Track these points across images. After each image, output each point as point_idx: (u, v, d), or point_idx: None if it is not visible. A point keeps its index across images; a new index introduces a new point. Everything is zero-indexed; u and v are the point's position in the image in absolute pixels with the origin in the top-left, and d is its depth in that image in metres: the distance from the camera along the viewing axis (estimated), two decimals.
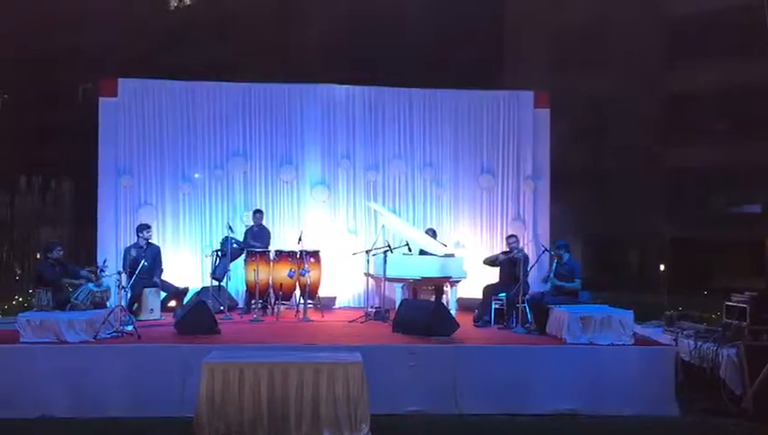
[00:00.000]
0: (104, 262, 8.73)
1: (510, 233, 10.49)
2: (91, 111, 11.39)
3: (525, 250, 9.97)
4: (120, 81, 11.25)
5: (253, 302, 9.92)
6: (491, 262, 9.89)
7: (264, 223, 10.70)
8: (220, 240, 10.39)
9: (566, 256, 8.80)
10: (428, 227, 11.04)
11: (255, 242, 10.30)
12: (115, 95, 11.16)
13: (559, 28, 20.52)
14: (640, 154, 19.58)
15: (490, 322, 9.24)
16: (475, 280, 10.25)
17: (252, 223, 10.70)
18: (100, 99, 11.23)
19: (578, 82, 18.78)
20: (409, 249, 10.23)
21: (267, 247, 10.20)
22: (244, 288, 10.23)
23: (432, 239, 10.10)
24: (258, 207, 10.90)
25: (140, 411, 6.83)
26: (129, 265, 8.85)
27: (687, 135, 19.98)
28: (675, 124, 20.05)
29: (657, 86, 20.29)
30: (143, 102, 11.23)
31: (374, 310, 9.75)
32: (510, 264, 9.41)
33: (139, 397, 6.93)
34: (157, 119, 11.25)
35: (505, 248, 10.01)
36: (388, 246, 9.67)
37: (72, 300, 7.97)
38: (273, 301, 9.89)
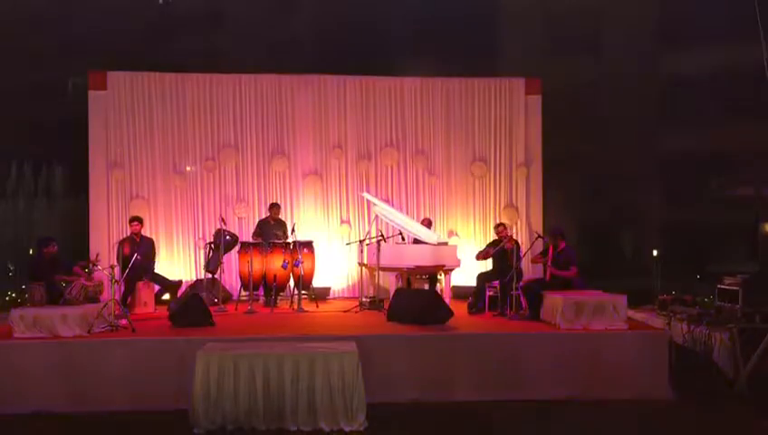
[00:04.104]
0: (96, 256, 8.70)
1: (499, 222, 10.51)
2: (81, 105, 11.30)
3: (518, 237, 9.98)
4: (109, 73, 11.20)
5: (246, 293, 9.88)
6: (483, 256, 9.84)
7: (280, 217, 10.64)
8: (213, 232, 10.37)
9: (562, 244, 8.81)
10: (425, 216, 11.05)
11: (271, 236, 10.13)
12: (104, 88, 11.12)
13: (551, 13, 20.44)
14: (633, 138, 19.57)
15: (484, 309, 9.27)
16: (469, 268, 10.29)
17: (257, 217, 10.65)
18: (90, 92, 11.17)
19: (570, 66, 18.74)
20: (403, 238, 10.24)
21: (287, 239, 10.06)
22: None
23: (425, 228, 10.10)
24: (274, 201, 10.82)
25: (136, 404, 6.82)
26: (122, 259, 8.83)
27: (681, 119, 19.97)
28: (668, 108, 20.04)
29: (651, 70, 20.26)
30: (132, 95, 11.19)
31: (368, 299, 9.76)
32: (502, 252, 9.41)
33: (135, 390, 6.91)
34: (147, 111, 11.22)
35: (494, 237, 10.00)
36: (382, 235, 9.68)
37: (65, 295, 7.94)
38: (274, 292, 9.85)
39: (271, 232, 10.18)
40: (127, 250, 9.03)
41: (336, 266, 11.40)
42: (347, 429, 6.19)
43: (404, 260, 9.58)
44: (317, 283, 10.57)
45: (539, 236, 9.59)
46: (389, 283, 9.63)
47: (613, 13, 19.83)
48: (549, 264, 8.83)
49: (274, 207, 10.52)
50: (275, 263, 9.60)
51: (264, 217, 10.70)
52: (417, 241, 10.08)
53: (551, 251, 8.88)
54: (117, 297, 8.01)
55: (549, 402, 7.03)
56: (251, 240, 10.06)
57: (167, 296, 9.96)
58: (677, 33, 19.67)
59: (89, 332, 7.36)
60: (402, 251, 9.78)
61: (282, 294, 10.11)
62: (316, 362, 6.28)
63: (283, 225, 10.45)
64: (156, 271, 9.88)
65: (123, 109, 11.13)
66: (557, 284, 8.56)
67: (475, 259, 9.89)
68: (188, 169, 11.34)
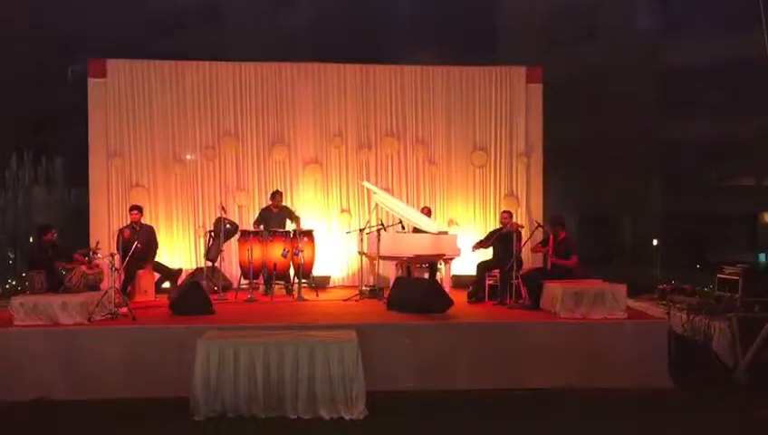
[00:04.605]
0: (97, 244, 8.69)
1: (504, 209, 10.51)
2: (81, 94, 11.28)
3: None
4: (109, 61, 11.16)
5: (246, 282, 9.87)
6: (479, 246, 9.82)
7: (284, 204, 10.58)
8: (213, 221, 10.36)
9: (562, 233, 8.81)
10: (424, 205, 11.04)
11: (273, 224, 10.07)
12: (104, 76, 11.08)
13: (552, 2, 20.38)
14: (634, 127, 19.55)
15: (484, 298, 9.28)
16: (469, 257, 10.28)
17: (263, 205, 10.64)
18: (89, 79, 11.14)
19: (571, 56, 18.71)
20: (403, 227, 10.23)
21: (295, 226, 10.02)
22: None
23: (425, 217, 10.10)
24: (276, 189, 10.75)
25: (137, 392, 6.83)
26: (123, 247, 8.82)
27: (682, 109, 19.94)
28: (669, 98, 20.00)
29: (652, 59, 20.21)
30: (132, 83, 11.15)
31: (368, 288, 9.77)
32: (503, 240, 9.40)
33: (136, 378, 6.93)
34: (146, 99, 11.18)
35: (498, 225, 10.00)
36: (382, 224, 9.67)
37: (65, 282, 7.95)
38: (274, 278, 9.82)
39: (272, 220, 10.16)
40: (127, 238, 9.03)
41: (336, 255, 11.41)
42: (347, 417, 6.20)
43: (404, 249, 9.58)
44: (317, 271, 10.57)
45: (539, 226, 9.59)
46: (389, 272, 9.63)
47: (614, 2, 19.80)
48: (550, 253, 8.83)
49: (276, 194, 10.49)
50: (275, 251, 9.60)
51: (265, 205, 10.67)
52: (417, 230, 10.08)
53: (551, 240, 8.88)
54: (117, 285, 8.02)
55: (548, 391, 7.05)
56: (251, 228, 10.05)
57: (167, 284, 9.97)
58: (679, 23, 19.63)
59: (89, 320, 7.36)
60: (402, 240, 9.78)
61: (281, 282, 10.06)
62: (316, 350, 6.29)
63: (287, 211, 10.40)
64: (156, 259, 9.88)
65: (123, 97, 11.10)
66: (557, 273, 8.56)
67: (471, 250, 9.85)
68: (188, 157, 11.33)
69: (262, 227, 9.97)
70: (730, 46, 18.43)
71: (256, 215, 10.52)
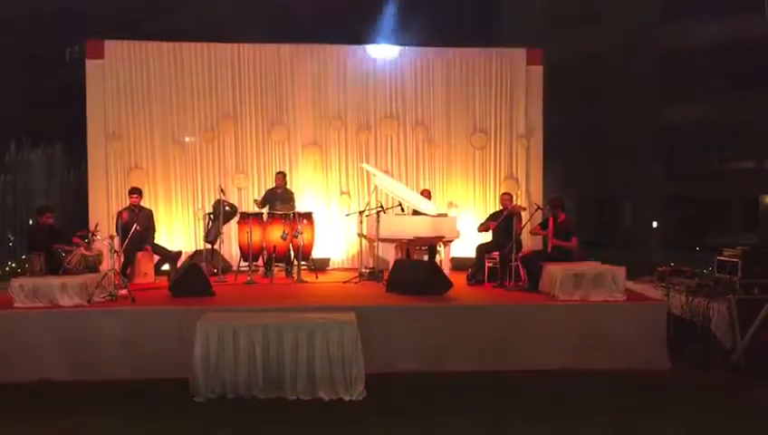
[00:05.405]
0: (96, 226, 8.67)
1: (504, 191, 10.49)
2: (79, 74, 11.23)
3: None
4: (107, 42, 11.09)
5: (246, 264, 9.88)
6: (485, 228, 9.83)
7: (288, 186, 10.58)
8: (212, 203, 10.35)
9: (562, 216, 8.80)
10: (424, 188, 11.01)
11: (278, 205, 10.10)
12: (102, 57, 11.02)
13: None
14: (635, 110, 19.50)
15: (483, 280, 9.29)
16: (469, 239, 10.28)
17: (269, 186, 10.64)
18: (87, 61, 11.08)
19: (572, 38, 18.61)
20: (402, 209, 10.23)
21: (293, 209, 10.04)
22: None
23: (424, 199, 10.08)
24: (280, 169, 10.78)
25: (137, 373, 6.85)
26: (122, 229, 8.80)
27: (683, 91, 19.88)
28: (670, 80, 19.94)
29: (653, 41, 20.12)
30: (131, 64, 11.08)
31: (368, 270, 9.78)
32: (504, 222, 9.40)
33: (136, 359, 6.94)
34: (145, 81, 11.12)
35: (499, 207, 9.99)
36: (381, 206, 9.66)
37: (64, 264, 7.94)
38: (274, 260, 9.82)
39: (278, 201, 10.14)
40: (126, 221, 9.01)
41: (335, 238, 11.40)
42: (346, 398, 6.22)
43: (403, 231, 9.58)
44: (316, 254, 10.57)
45: (538, 208, 9.58)
46: (389, 254, 9.63)
47: None
48: (550, 235, 8.81)
49: (279, 175, 10.48)
50: (275, 234, 9.59)
51: (269, 187, 10.66)
52: (416, 212, 10.07)
53: (551, 223, 8.87)
54: (116, 267, 8.01)
55: (547, 373, 7.07)
56: (251, 210, 10.04)
57: (166, 267, 9.97)
58: (680, 5, 19.51)
59: (89, 301, 7.37)
60: (401, 222, 9.77)
61: (280, 264, 10.07)
62: (315, 332, 6.30)
63: (290, 194, 10.41)
64: (155, 241, 9.87)
65: (121, 78, 11.03)
66: (558, 255, 8.56)
67: (477, 231, 9.90)
68: (187, 139, 11.29)
69: (267, 207, 9.96)
70: (732, 28, 18.34)
71: (261, 196, 10.52)
